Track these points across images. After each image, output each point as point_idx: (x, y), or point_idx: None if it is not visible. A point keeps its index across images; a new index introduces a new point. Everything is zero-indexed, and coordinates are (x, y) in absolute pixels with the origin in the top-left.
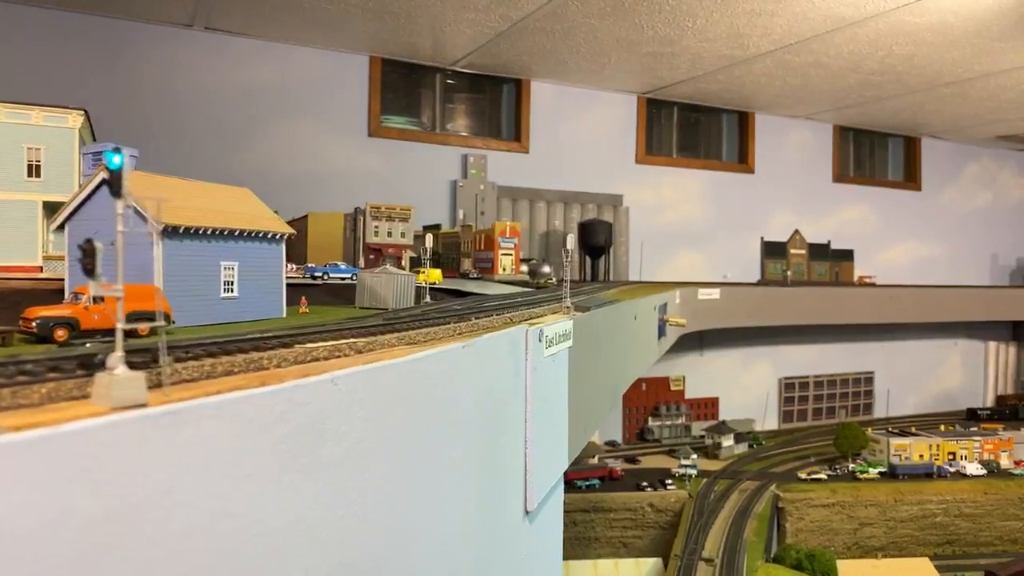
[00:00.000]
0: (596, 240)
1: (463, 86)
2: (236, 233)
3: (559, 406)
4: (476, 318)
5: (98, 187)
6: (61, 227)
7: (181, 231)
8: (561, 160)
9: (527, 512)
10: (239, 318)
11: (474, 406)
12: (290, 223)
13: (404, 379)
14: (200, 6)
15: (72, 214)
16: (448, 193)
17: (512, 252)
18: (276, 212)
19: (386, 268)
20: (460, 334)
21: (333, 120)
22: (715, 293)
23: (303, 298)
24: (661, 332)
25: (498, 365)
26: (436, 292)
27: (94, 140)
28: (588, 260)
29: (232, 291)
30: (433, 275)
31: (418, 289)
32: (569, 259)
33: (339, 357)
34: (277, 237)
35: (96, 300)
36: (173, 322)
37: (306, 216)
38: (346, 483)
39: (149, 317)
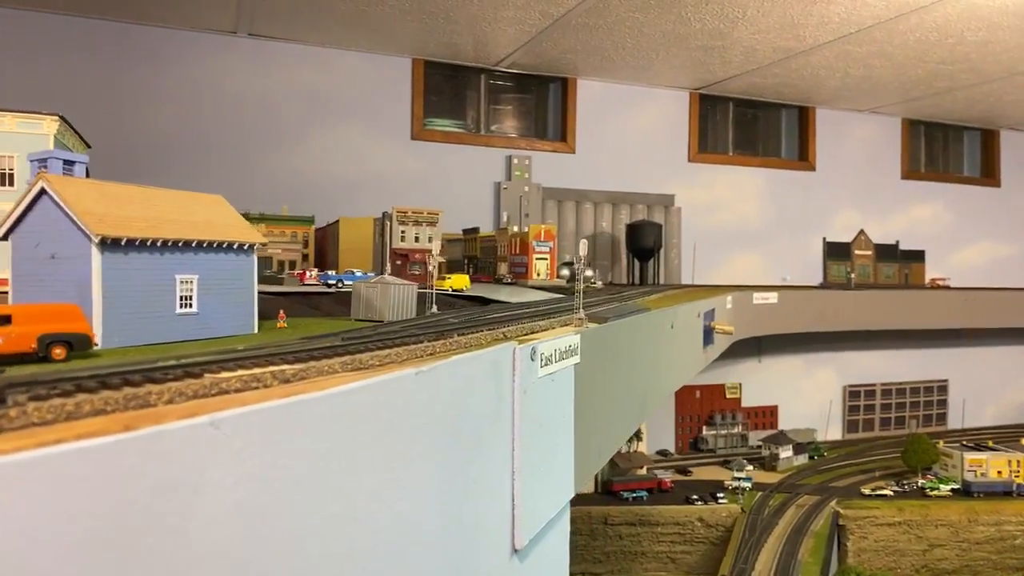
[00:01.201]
0: (644, 242)
1: (509, 87)
2: (194, 244)
3: (560, 430)
4: (461, 334)
5: (38, 197)
6: (5, 238)
7: (124, 243)
8: (609, 160)
9: (515, 550)
10: (199, 335)
11: (435, 439)
12: (324, 228)
13: (327, 415)
14: (242, 13)
15: (15, 225)
16: (492, 195)
17: (547, 256)
18: (312, 217)
19: (383, 278)
20: (431, 355)
21: (376, 123)
22: (772, 297)
23: (281, 312)
24: (708, 340)
25: (472, 390)
26: (458, 300)
27: (88, 147)
28: (637, 263)
29: (191, 306)
30: (459, 281)
31: (425, 298)
32: (581, 266)
33: (255, 389)
34: (246, 248)
35: (3, 321)
36: (96, 344)
37: (338, 221)
38: (235, 545)
39: (65, 340)
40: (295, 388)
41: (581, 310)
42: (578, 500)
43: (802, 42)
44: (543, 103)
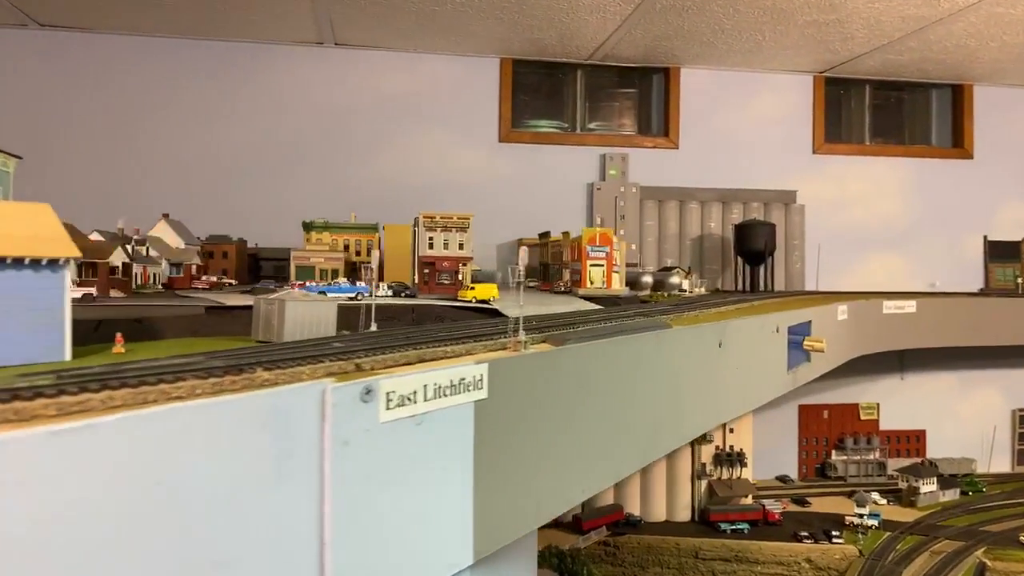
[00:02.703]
0: (754, 244)
1: (610, 82)
2: None
3: (440, 485)
4: (268, 368)
5: None
6: None
7: None
8: (718, 155)
9: None
10: None
11: (147, 515)
12: None
13: None
14: (322, 23)
15: None
16: (585, 197)
17: (603, 263)
18: (375, 224)
19: (289, 292)
20: (166, 400)
21: (462, 127)
22: (909, 305)
23: (119, 335)
24: (799, 358)
25: (220, 446)
26: (462, 312)
27: (18, 158)
28: (747, 268)
29: None
30: (484, 291)
31: (363, 312)
32: (519, 278)
33: None
34: (46, 263)
35: None
36: None
37: (383, 229)
38: None
39: None
40: None
41: (522, 332)
42: (669, 530)
43: (936, 8)
44: (646, 97)
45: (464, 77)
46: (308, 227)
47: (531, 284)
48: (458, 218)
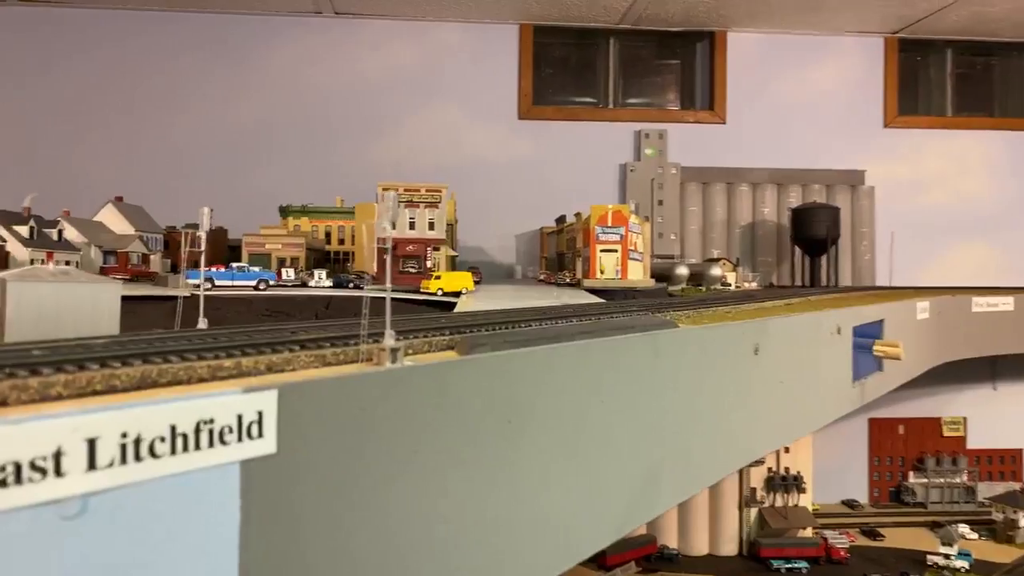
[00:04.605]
0: (814, 231)
1: (646, 51)
2: None
3: None
4: None
5: None
6: None
7: None
8: (772, 130)
9: None
10: None
11: None
12: None
13: None
14: None
15: None
16: (617, 180)
17: (617, 248)
18: (353, 209)
19: (33, 267)
20: None
21: (477, 103)
22: (1005, 303)
23: None
24: (868, 367)
25: None
26: (411, 307)
27: None
28: (806, 259)
29: None
30: (454, 282)
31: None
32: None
33: None
34: None
35: None
36: None
37: (353, 209)
38: None
39: None
40: None
41: (389, 332)
42: (711, 566)
43: None
44: (689, 67)
45: (479, 47)
46: (284, 212)
47: (540, 277)
48: (427, 191)
